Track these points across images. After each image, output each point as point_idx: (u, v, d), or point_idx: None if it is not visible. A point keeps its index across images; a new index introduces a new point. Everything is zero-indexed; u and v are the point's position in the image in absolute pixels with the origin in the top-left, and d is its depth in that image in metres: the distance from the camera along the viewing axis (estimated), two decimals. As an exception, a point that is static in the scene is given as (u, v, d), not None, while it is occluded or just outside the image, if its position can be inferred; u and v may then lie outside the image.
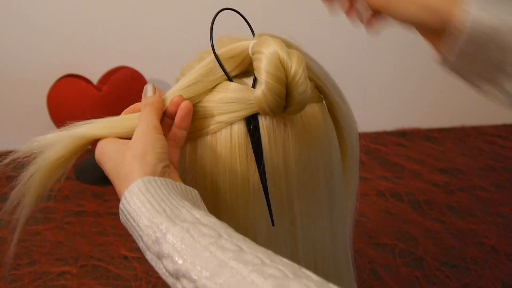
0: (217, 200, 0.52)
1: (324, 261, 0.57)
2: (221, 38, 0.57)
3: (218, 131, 0.51)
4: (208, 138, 0.51)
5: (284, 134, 0.51)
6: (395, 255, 0.97)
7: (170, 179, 0.45)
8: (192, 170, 0.53)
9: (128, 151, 0.47)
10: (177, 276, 0.39)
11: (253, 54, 0.49)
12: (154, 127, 0.48)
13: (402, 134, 1.38)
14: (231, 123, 0.50)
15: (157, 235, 0.41)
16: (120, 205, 0.45)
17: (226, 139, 0.50)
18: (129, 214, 0.44)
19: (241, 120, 0.50)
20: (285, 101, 0.48)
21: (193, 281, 0.37)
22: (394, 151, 1.30)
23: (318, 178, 0.54)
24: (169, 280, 0.40)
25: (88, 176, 1.21)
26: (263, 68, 0.46)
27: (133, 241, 1.08)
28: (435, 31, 0.48)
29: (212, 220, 0.41)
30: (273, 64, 0.46)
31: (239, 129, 0.50)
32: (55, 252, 0.98)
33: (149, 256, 0.43)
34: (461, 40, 0.45)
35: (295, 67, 0.46)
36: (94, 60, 1.24)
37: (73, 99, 1.15)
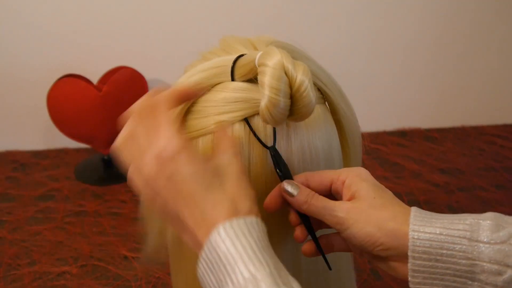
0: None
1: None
2: (225, 38, 0.57)
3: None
4: (209, 138, 0.51)
5: (286, 136, 0.51)
6: (395, 255, 0.97)
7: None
8: None
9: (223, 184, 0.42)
10: None
11: (259, 66, 0.48)
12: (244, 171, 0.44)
13: (402, 134, 1.38)
14: (232, 123, 0.50)
15: None
16: (209, 244, 0.39)
17: None
18: (221, 257, 0.38)
19: (242, 120, 0.50)
20: (288, 112, 0.47)
21: None
22: (394, 151, 1.30)
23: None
24: None
25: (88, 176, 1.21)
26: (267, 83, 0.45)
27: (133, 241, 1.09)
28: (393, 254, 0.46)
29: None
30: (277, 77, 0.45)
31: (240, 129, 0.50)
32: (55, 252, 0.98)
33: None
34: (417, 257, 0.43)
35: (300, 77, 0.46)
36: (94, 60, 1.24)
37: (73, 99, 1.15)
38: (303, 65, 0.47)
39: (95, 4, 1.20)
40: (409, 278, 0.44)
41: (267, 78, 0.46)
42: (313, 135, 0.53)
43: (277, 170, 0.49)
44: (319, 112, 0.54)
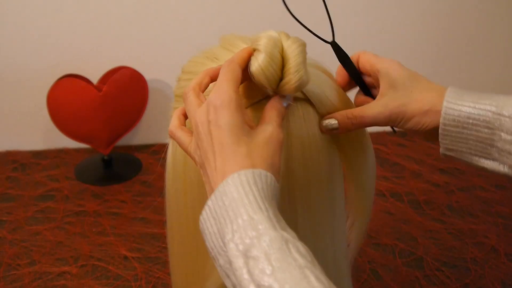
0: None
1: (324, 262, 0.57)
2: (226, 36, 0.57)
3: None
4: None
5: (287, 136, 0.51)
6: (395, 255, 0.97)
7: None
8: (191, 168, 0.53)
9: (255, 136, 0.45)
10: (258, 284, 0.36)
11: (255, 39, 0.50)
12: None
13: (402, 134, 1.37)
14: None
15: (253, 233, 0.38)
16: (220, 188, 0.41)
17: None
18: (225, 203, 0.41)
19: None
20: (280, 72, 0.48)
21: None
22: (394, 151, 1.30)
23: (321, 178, 0.54)
24: (245, 282, 0.37)
25: (88, 176, 1.21)
26: (263, 35, 0.49)
27: (133, 241, 1.09)
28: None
29: (302, 244, 0.39)
30: (274, 35, 0.49)
31: None
32: (55, 252, 0.98)
33: (232, 249, 0.39)
34: (446, 124, 0.53)
35: (291, 41, 0.49)
36: (94, 60, 1.24)
37: (73, 99, 1.15)
38: (297, 38, 0.50)
39: (95, 4, 1.20)
40: (439, 140, 0.54)
41: (263, 33, 0.49)
42: (317, 128, 0.54)
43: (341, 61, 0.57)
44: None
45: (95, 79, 1.22)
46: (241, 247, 0.38)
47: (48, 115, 1.17)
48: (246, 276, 0.37)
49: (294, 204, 0.52)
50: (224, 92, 0.45)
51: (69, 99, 1.15)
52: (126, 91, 1.18)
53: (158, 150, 1.28)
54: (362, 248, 0.98)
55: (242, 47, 0.53)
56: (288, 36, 0.49)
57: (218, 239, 0.40)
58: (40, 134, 1.31)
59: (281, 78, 0.48)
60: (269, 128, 0.46)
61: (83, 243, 1.00)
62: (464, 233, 1.03)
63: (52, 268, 0.94)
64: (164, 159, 0.58)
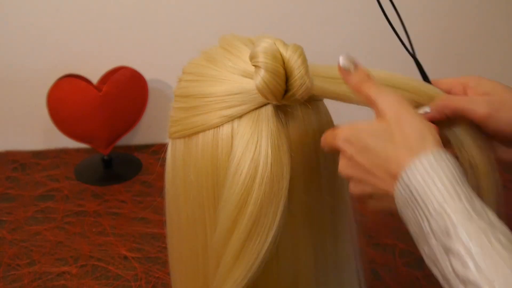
0: (218, 201, 0.51)
1: (324, 261, 0.57)
2: (225, 36, 0.57)
3: (220, 126, 0.50)
4: (210, 133, 0.51)
5: (287, 136, 0.51)
6: (395, 255, 0.97)
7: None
8: (191, 169, 0.53)
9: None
10: (465, 283, 0.35)
11: (253, 50, 0.49)
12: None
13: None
14: (234, 118, 0.50)
15: (447, 225, 0.37)
16: (404, 178, 0.40)
17: (228, 134, 0.50)
18: (414, 190, 0.40)
19: (245, 114, 0.50)
20: (285, 84, 0.48)
21: None
22: (394, 151, 1.30)
23: (319, 177, 0.54)
24: (453, 281, 0.36)
25: (88, 176, 1.21)
26: (260, 50, 0.47)
27: (133, 241, 1.09)
28: None
29: (504, 227, 0.37)
30: (271, 47, 0.47)
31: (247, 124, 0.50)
32: (55, 252, 0.98)
33: (433, 242, 0.38)
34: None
35: (290, 51, 0.48)
36: (94, 60, 1.24)
37: (73, 99, 1.15)
38: (294, 44, 0.49)
39: (95, 4, 1.20)
40: None
41: (259, 47, 0.47)
42: (317, 128, 0.53)
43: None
44: (318, 108, 0.54)
45: (95, 79, 1.22)
46: (438, 239, 0.37)
47: (48, 115, 1.17)
48: (450, 269, 0.36)
49: (294, 211, 0.52)
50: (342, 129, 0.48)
51: (69, 99, 1.15)
52: (126, 91, 1.18)
53: (158, 150, 1.28)
54: (362, 248, 0.98)
55: (241, 48, 0.53)
56: (285, 44, 0.49)
57: (418, 227, 0.40)
58: (40, 134, 1.31)
59: (286, 90, 0.48)
60: (396, 107, 0.45)
61: (83, 243, 1.00)
62: (464, 233, 1.03)
63: (52, 268, 0.94)
64: (164, 159, 0.58)
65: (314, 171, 0.53)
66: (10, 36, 1.21)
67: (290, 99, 0.49)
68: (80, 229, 1.04)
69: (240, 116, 0.50)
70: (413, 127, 0.43)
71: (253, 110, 0.49)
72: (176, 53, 1.08)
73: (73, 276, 0.93)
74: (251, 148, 0.48)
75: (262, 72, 0.47)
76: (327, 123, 0.55)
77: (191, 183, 0.53)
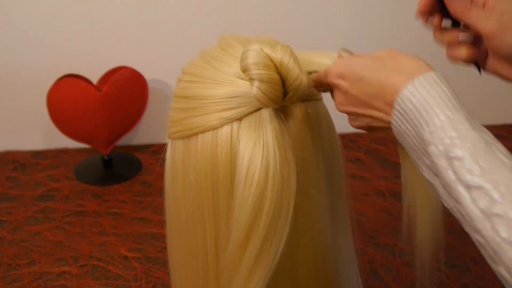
0: (217, 202, 0.51)
1: (324, 259, 0.57)
2: (224, 36, 0.57)
3: (219, 127, 0.50)
4: (209, 134, 0.51)
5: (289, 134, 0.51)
6: (395, 255, 0.97)
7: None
8: (190, 169, 0.53)
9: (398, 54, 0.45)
10: (469, 187, 0.36)
11: (242, 60, 0.49)
12: None
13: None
14: (234, 119, 0.50)
15: (453, 133, 0.38)
16: (402, 96, 0.42)
17: (227, 136, 0.50)
18: (417, 105, 0.40)
19: (244, 116, 0.50)
20: (282, 88, 0.48)
21: (490, 198, 0.34)
22: (394, 151, 1.30)
23: (319, 177, 0.54)
24: (455, 187, 0.37)
25: (88, 176, 1.21)
26: (251, 62, 0.47)
27: (133, 241, 1.09)
28: None
29: (503, 145, 0.38)
30: (260, 55, 0.47)
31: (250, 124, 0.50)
32: (55, 252, 0.98)
33: (434, 151, 0.39)
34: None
35: (280, 54, 0.47)
36: (94, 60, 1.24)
37: (73, 99, 1.15)
38: (281, 45, 0.48)
39: (95, 4, 1.20)
40: None
41: (249, 59, 0.47)
42: (316, 128, 0.53)
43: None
44: (317, 107, 0.54)
45: (95, 79, 1.22)
46: (441, 147, 0.38)
47: (48, 115, 1.17)
48: (452, 176, 0.37)
49: (294, 211, 0.52)
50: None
51: (69, 99, 1.15)
52: (126, 91, 1.18)
53: (158, 150, 1.28)
54: (362, 248, 0.98)
55: (239, 49, 0.53)
56: (272, 47, 0.48)
57: (418, 141, 0.41)
58: (40, 134, 1.31)
59: (285, 93, 0.48)
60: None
61: (83, 243, 1.00)
62: (464, 233, 1.03)
63: (52, 268, 0.94)
64: (164, 159, 0.58)
65: (313, 169, 0.53)
66: (10, 36, 1.21)
67: (290, 101, 0.49)
68: (80, 229, 1.04)
69: (239, 118, 0.50)
70: (407, 58, 0.45)
71: (253, 112, 0.50)
72: (176, 53, 1.08)
73: (73, 276, 0.93)
74: (259, 150, 0.48)
75: (257, 84, 0.47)
76: (326, 122, 0.55)
77: (190, 183, 0.53)
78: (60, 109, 1.17)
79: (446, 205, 0.40)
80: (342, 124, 0.58)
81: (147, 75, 1.22)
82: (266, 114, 0.49)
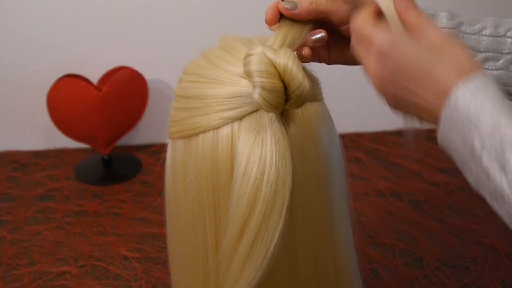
0: (217, 202, 0.51)
1: (324, 259, 0.57)
2: (226, 37, 0.57)
3: (220, 127, 0.50)
4: (210, 134, 0.51)
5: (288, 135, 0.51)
6: (395, 255, 0.97)
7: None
8: (191, 169, 0.53)
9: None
10: None
11: (244, 64, 0.49)
12: None
13: (402, 134, 1.38)
14: (235, 119, 0.50)
15: (504, 141, 0.38)
16: (456, 96, 0.41)
17: (228, 136, 0.50)
18: (465, 109, 0.40)
19: (245, 116, 0.50)
20: (284, 95, 0.48)
21: None
22: (394, 151, 1.30)
23: (319, 177, 0.54)
24: (509, 195, 0.37)
25: (88, 176, 1.21)
26: (254, 69, 0.47)
27: (133, 241, 1.09)
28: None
29: None
30: (263, 62, 0.47)
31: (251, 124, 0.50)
32: (55, 252, 0.98)
33: (485, 158, 0.39)
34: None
35: (283, 59, 0.47)
36: (94, 60, 1.24)
37: (73, 99, 1.15)
38: (284, 49, 0.48)
39: (95, 4, 1.20)
40: None
41: (252, 65, 0.47)
42: (317, 128, 0.53)
43: None
44: (318, 108, 0.54)
45: (95, 79, 1.22)
46: (494, 157, 0.38)
47: (48, 115, 1.17)
48: (505, 185, 0.37)
49: (294, 211, 0.52)
50: (379, 37, 0.47)
51: (69, 99, 1.16)
52: (126, 91, 1.18)
53: (158, 150, 1.28)
54: (362, 248, 0.98)
55: (241, 49, 0.53)
56: (275, 52, 0.48)
57: (466, 150, 0.41)
58: (40, 134, 1.31)
59: (286, 99, 0.48)
60: (435, 32, 0.45)
61: (83, 243, 1.00)
62: (464, 233, 1.03)
63: (52, 268, 0.94)
64: (164, 159, 0.58)
65: (313, 169, 0.53)
66: (10, 36, 1.21)
67: (292, 106, 0.49)
68: (80, 229, 1.04)
69: (240, 118, 0.50)
70: (460, 51, 0.44)
71: (254, 112, 0.50)
72: (176, 53, 1.08)
73: (73, 276, 0.93)
74: (257, 149, 0.48)
75: (259, 91, 0.47)
76: (327, 122, 0.55)
77: (191, 183, 0.53)
78: (60, 109, 1.17)
79: (497, 212, 0.40)
80: (342, 124, 0.58)
81: (147, 75, 1.22)
82: (266, 115, 0.49)
